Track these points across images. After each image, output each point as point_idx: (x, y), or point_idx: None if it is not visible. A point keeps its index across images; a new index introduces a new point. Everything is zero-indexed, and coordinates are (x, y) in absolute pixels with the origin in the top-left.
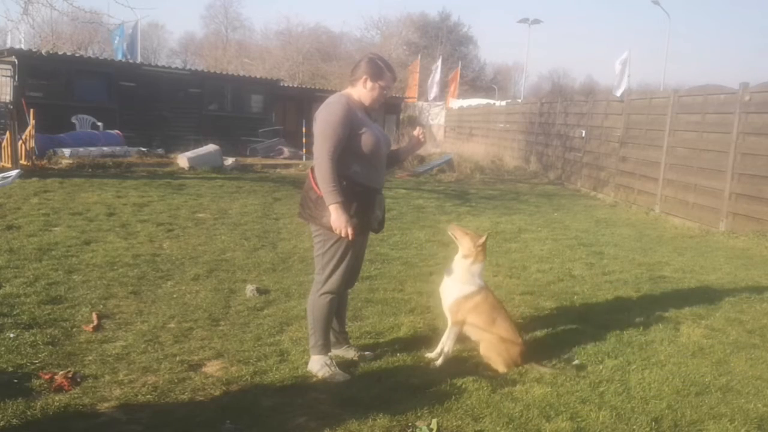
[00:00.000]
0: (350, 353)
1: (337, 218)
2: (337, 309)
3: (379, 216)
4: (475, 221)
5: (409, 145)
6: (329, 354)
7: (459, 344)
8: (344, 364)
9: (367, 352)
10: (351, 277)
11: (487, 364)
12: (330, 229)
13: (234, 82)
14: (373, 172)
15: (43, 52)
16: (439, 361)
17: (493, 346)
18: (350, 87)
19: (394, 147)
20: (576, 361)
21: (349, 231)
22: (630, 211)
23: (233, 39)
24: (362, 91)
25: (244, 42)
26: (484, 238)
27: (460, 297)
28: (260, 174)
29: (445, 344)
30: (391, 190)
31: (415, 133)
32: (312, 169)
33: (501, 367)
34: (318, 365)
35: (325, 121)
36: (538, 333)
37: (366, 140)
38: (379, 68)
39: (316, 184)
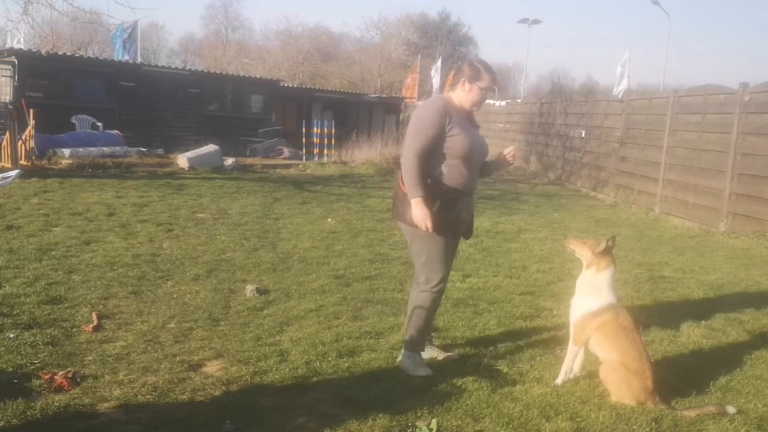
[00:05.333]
0: (435, 353)
1: (417, 212)
2: None
3: (466, 219)
4: (475, 221)
5: (497, 161)
6: (421, 352)
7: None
8: (436, 365)
9: (451, 353)
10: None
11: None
12: (414, 225)
13: (234, 82)
14: (460, 175)
15: (43, 52)
16: (559, 381)
17: (612, 371)
18: (451, 91)
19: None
20: (732, 410)
21: (429, 224)
22: (630, 211)
23: (233, 39)
24: (462, 94)
25: (244, 42)
26: (604, 244)
27: (587, 313)
28: (260, 174)
29: (566, 366)
30: (390, 190)
31: (506, 152)
32: (401, 174)
33: (614, 397)
34: (407, 361)
35: (417, 119)
36: (538, 333)
37: (457, 143)
38: (478, 70)
39: (403, 183)
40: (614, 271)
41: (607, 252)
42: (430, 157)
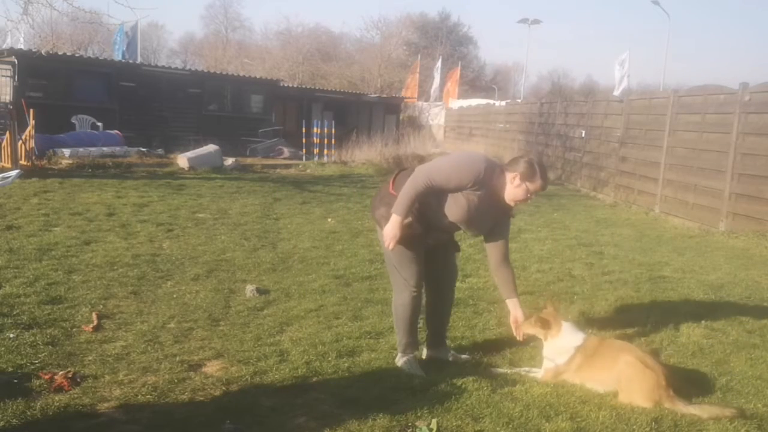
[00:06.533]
0: (445, 354)
1: (390, 228)
2: (434, 312)
3: (429, 243)
4: None
5: (511, 313)
6: (414, 353)
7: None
8: (437, 364)
9: (463, 356)
10: (439, 281)
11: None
12: (378, 222)
13: (234, 82)
14: (440, 222)
15: (43, 52)
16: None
17: (626, 369)
18: (505, 171)
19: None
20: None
21: (392, 245)
22: (630, 211)
23: (233, 39)
24: (508, 186)
25: (244, 42)
26: (541, 319)
27: (560, 365)
28: (260, 174)
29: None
30: None
31: (513, 324)
32: (396, 175)
33: (624, 396)
34: (401, 362)
35: (452, 163)
36: None
37: (453, 206)
38: (534, 172)
39: (394, 187)
40: (568, 324)
41: (550, 320)
42: (435, 189)
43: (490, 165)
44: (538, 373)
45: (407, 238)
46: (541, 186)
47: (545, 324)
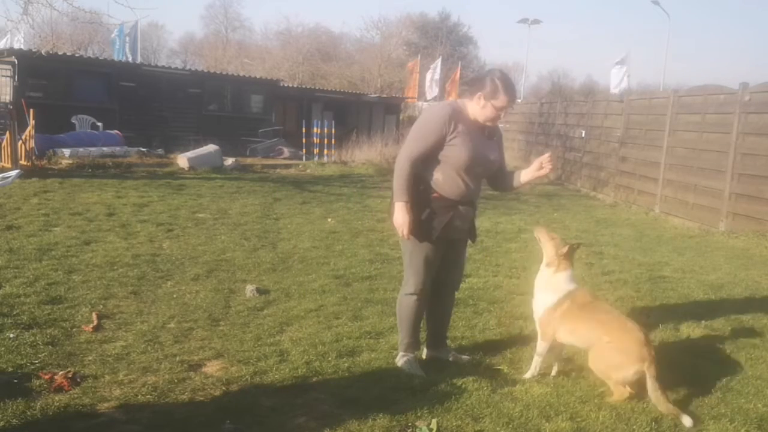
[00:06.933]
0: (445, 355)
1: (398, 216)
2: (434, 313)
3: (460, 228)
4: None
5: (530, 171)
6: (414, 353)
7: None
8: (437, 364)
9: (463, 356)
10: (441, 282)
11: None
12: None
13: (234, 82)
14: (455, 185)
15: (43, 52)
16: (527, 375)
17: (599, 352)
18: (468, 99)
19: (494, 165)
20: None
21: (405, 231)
22: (630, 211)
23: (233, 39)
24: (476, 108)
25: (244, 42)
26: (567, 248)
27: (549, 308)
28: (260, 174)
29: (536, 362)
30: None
31: (542, 158)
32: None
33: (609, 384)
34: (402, 362)
35: (420, 123)
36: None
37: (454, 153)
38: (496, 88)
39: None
40: (571, 274)
41: (569, 255)
42: (426, 163)
43: (454, 102)
44: (538, 343)
45: (432, 230)
46: (506, 101)
47: (561, 250)
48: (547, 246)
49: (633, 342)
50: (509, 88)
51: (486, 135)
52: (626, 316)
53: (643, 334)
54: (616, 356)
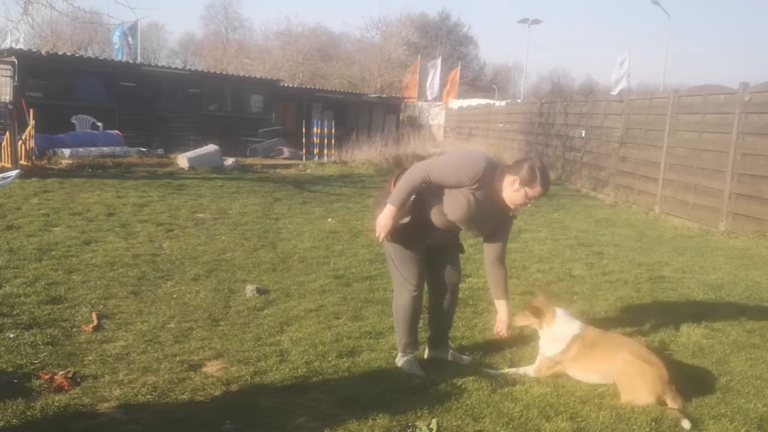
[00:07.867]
0: (445, 354)
1: (383, 217)
2: (435, 313)
3: (431, 246)
4: None
5: (499, 316)
6: (414, 353)
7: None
8: (438, 364)
9: (464, 356)
10: (440, 282)
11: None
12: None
13: (234, 82)
14: (441, 218)
15: (43, 52)
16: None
17: (622, 366)
18: (506, 173)
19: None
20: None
21: (382, 234)
22: (630, 211)
23: (233, 39)
24: (508, 188)
25: (244, 42)
26: (531, 307)
27: (557, 353)
28: (260, 174)
29: (514, 373)
30: None
31: (498, 330)
32: (398, 175)
33: (626, 395)
34: (401, 362)
35: (453, 159)
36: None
37: (456, 204)
38: (534, 178)
39: (395, 185)
40: (562, 312)
41: (543, 309)
42: (434, 187)
43: (491, 165)
44: (530, 368)
45: (406, 238)
46: (540, 193)
47: (537, 312)
48: (527, 321)
49: (648, 382)
50: (546, 181)
51: (498, 211)
52: (643, 347)
53: (661, 369)
54: (638, 395)
